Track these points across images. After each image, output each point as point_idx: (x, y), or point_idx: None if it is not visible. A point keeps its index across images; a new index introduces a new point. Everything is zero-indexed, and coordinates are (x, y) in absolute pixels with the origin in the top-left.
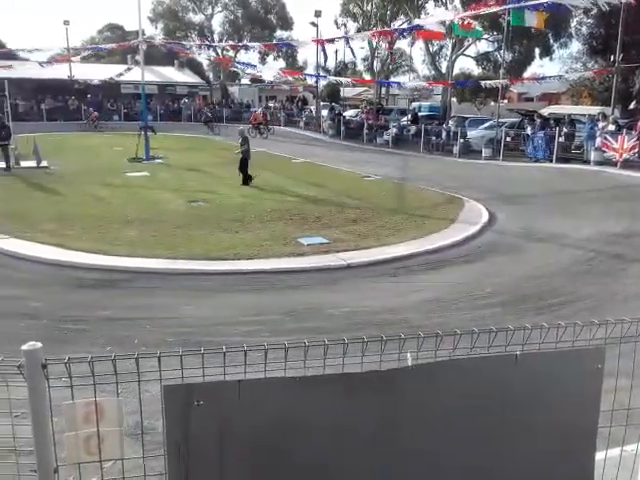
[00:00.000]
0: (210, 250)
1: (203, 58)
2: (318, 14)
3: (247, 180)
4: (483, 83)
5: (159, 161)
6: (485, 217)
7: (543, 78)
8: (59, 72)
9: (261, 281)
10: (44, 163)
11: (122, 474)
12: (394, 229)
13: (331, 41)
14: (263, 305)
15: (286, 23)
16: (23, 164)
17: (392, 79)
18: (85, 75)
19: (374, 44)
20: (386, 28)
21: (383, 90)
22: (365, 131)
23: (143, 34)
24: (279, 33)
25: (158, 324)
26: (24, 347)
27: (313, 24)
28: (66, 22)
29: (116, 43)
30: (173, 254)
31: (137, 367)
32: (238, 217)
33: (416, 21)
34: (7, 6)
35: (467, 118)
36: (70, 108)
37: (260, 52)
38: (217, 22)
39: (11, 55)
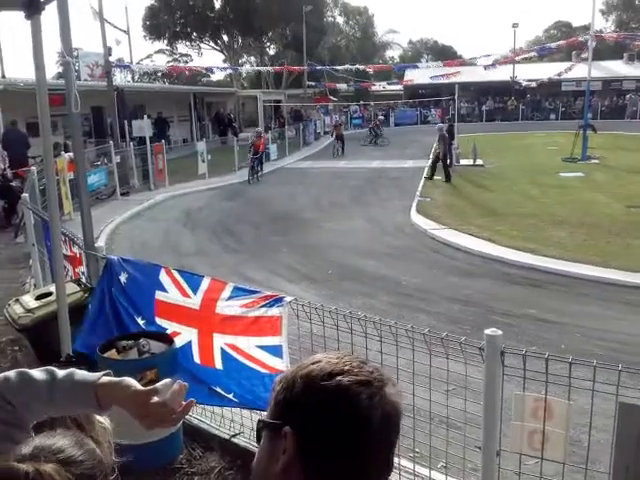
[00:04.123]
0: None
1: None
2: None
3: (432, 175)
4: None
5: (595, 161)
6: None
7: None
8: (501, 74)
9: None
10: (479, 162)
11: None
12: None
13: None
14: None
15: None
16: (462, 162)
17: None
18: (526, 75)
19: None
20: None
21: None
22: None
23: (593, 29)
24: None
25: (585, 333)
26: (487, 331)
27: None
28: (515, 25)
29: (562, 40)
30: (605, 262)
31: (593, 376)
32: None
33: None
34: (460, 16)
35: None
36: (509, 109)
37: None
38: None
39: (462, 62)
